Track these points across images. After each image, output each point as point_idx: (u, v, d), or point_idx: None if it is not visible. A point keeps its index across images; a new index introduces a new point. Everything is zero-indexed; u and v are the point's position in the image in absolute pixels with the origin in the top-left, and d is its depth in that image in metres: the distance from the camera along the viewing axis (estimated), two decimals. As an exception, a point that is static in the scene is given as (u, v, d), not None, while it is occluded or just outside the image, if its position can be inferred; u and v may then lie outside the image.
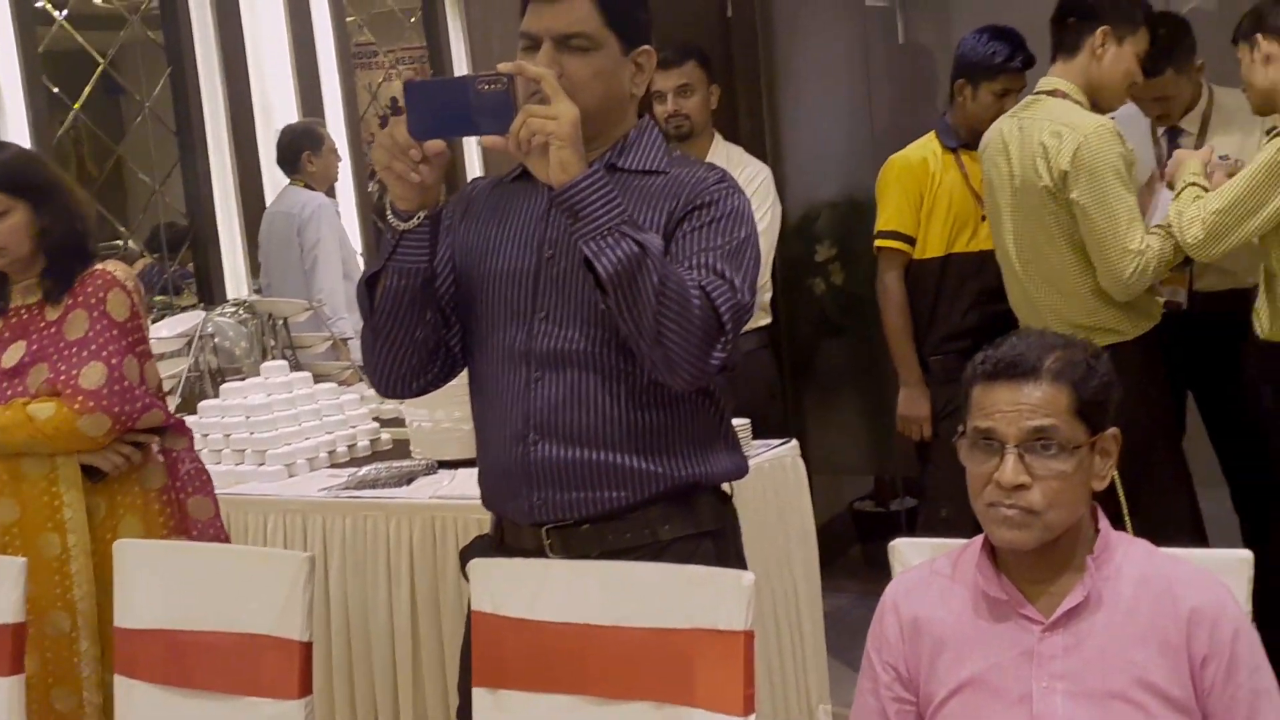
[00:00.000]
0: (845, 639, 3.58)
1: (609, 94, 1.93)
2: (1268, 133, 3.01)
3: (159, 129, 5.60)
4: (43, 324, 2.57)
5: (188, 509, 2.67)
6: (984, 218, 3.38)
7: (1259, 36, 2.88)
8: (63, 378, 2.50)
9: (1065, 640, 1.66)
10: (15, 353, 2.56)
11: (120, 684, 2.16)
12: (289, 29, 5.75)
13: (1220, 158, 3.36)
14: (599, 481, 1.93)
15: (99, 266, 2.60)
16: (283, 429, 3.33)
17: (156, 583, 2.17)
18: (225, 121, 5.63)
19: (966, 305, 3.49)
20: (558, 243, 1.92)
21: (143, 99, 5.55)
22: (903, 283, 3.53)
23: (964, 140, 3.52)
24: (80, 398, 2.47)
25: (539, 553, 1.98)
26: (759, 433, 3.10)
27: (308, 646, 2.02)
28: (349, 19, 6.13)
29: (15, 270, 2.61)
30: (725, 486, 2.09)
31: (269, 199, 5.44)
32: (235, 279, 5.62)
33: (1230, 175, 3.02)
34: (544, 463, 1.94)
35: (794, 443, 3.16)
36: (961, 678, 1.70)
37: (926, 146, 3.57)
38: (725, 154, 3.75)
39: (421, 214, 1.88)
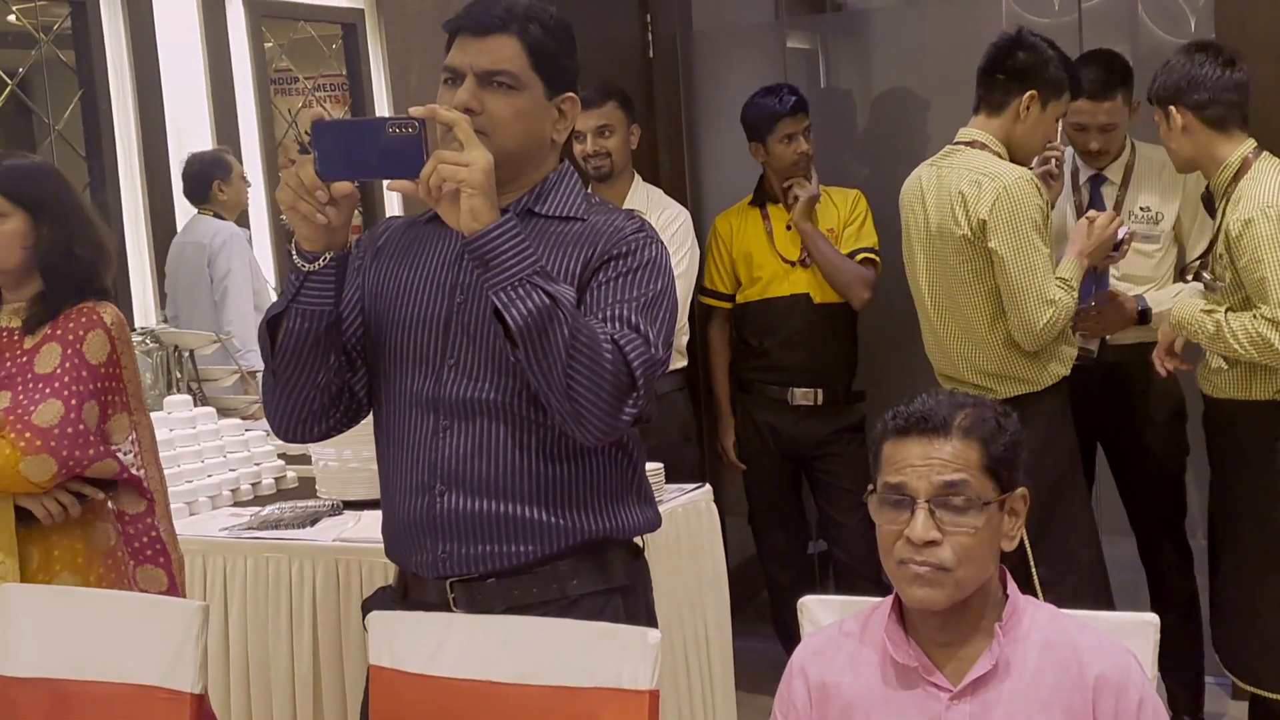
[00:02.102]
0: (756, 683, 3.56)
1: (529, 136, 1.90)
2: (1205, 197, 3.07)
3: (68, 152, 5.47)
4: (18, 351, 2.45)
5: (136, 578, 2.53)
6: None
7: (1173, 109, 2.93)
8: (19, 410, 2.37)
9: (972, 709, 1.64)
10: None
11: (0, 737, 2.08)
12: (205, 54, 5.66)
13: (1142, 209, 3.43)
14: (506, 535, 1.89)
15: (89, 304, 2.47)
16: (185, 465, 3.25)
17: (42, 629, 2.09)
18: (137, 146, 5.52)
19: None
20: (469, 289, 1.89)
21: (52, 121, 5.43)
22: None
23: (771, 194, 3.86)
24: (29, 434, 2.35)
25: (444, 607, 1.93)
26: (673, 476, 3.08)
27: (200, 699, 1.96)
28: (268, 45, 6.05)
29: (6, 285, 2.49)
30: (637, 540, 2.05)
31: (180, 227, 5.33)
32: (143, 308, 5.49)
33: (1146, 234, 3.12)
34: (450, 515, 1.89)
35: (707, 487, 3.15)
36: (868, 744, 1.68)
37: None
38: (645, 195, 3.74)
39: (328, 255, 1.83)
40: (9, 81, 5.19)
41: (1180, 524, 3.48)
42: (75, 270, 2.48)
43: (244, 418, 3.72)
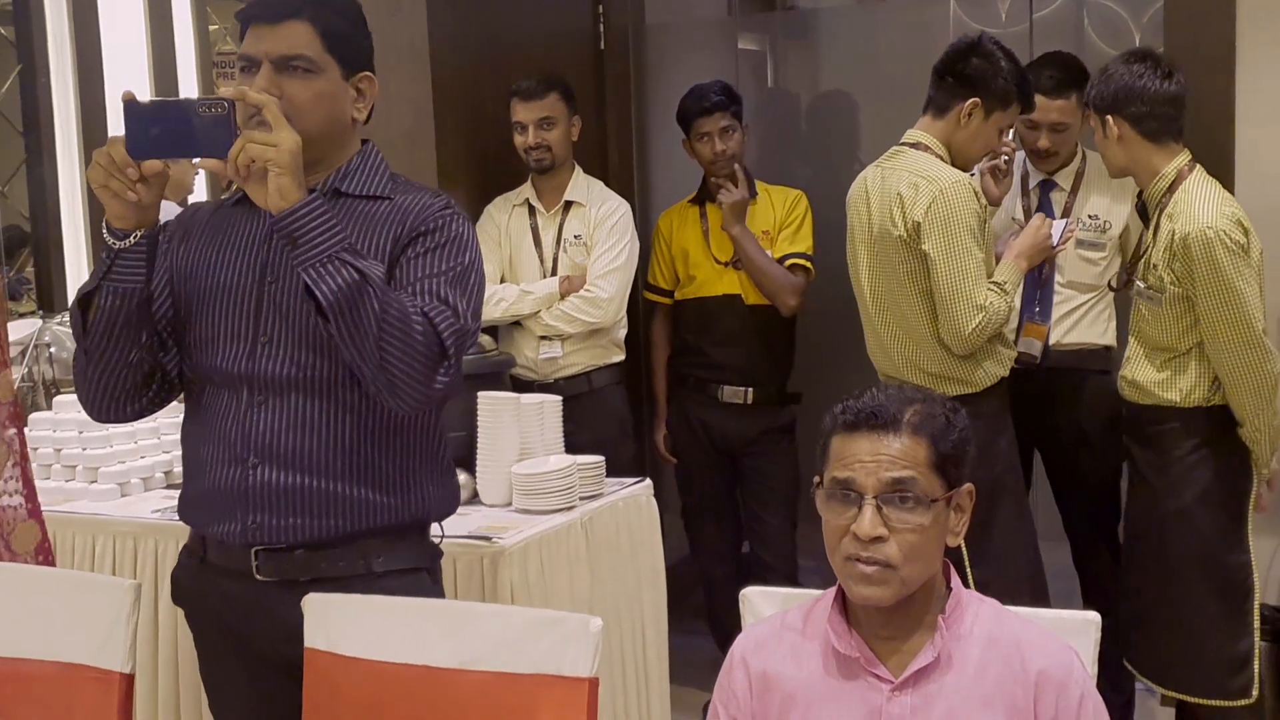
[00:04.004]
0: (690, 677, 3.57)
1: (330, 118, 1.96)
2: (1139, 205, 3.10)
3: (4, 128, 5.36)
4: None
5: (11, 544, 2.49)
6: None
7: (1110, 119, 2.96)
8: None
9: (914, 700, 1.65)
10: None
11: (-79, 716, 2.03)
12: (148, 33, 5.57)
13: (1090, 216, 3.46)
14: (316, 509, 1.94)
15: None
16: (117, 446, 3.19)
17: (-33, 607, 2.04)
18: (76, 124, 5.42)
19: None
20: (279, 267, 1.94)
21: (-11, 95, 5.32)
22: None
23: (710, 193, 3.85)
24: None
25: (247, 574, 1.97)
26: (610, 470, 3.07)
27: (130, 679, 1.94)
28: (212, 26, 5.96)
29: None
30: (434, 525, 2.12)
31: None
32: (76, 286, 5.40)
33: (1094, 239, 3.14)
34: (262, 487, 1.94)
35: (647, 482, 3.15)
36: (809, 734, 1.68)
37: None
38: (586, 187, 3.73)
39: (138, 233, 1.88)
40: (-56, 52, 5.08)
41: (1115, 529, 3.51)
42: None
43: (179, 400, 3.66)
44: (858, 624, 1.70)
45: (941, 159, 3.10)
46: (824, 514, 1.68)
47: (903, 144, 3.17)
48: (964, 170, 3.13)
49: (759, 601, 1.91)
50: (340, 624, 1.88)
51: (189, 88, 5.70)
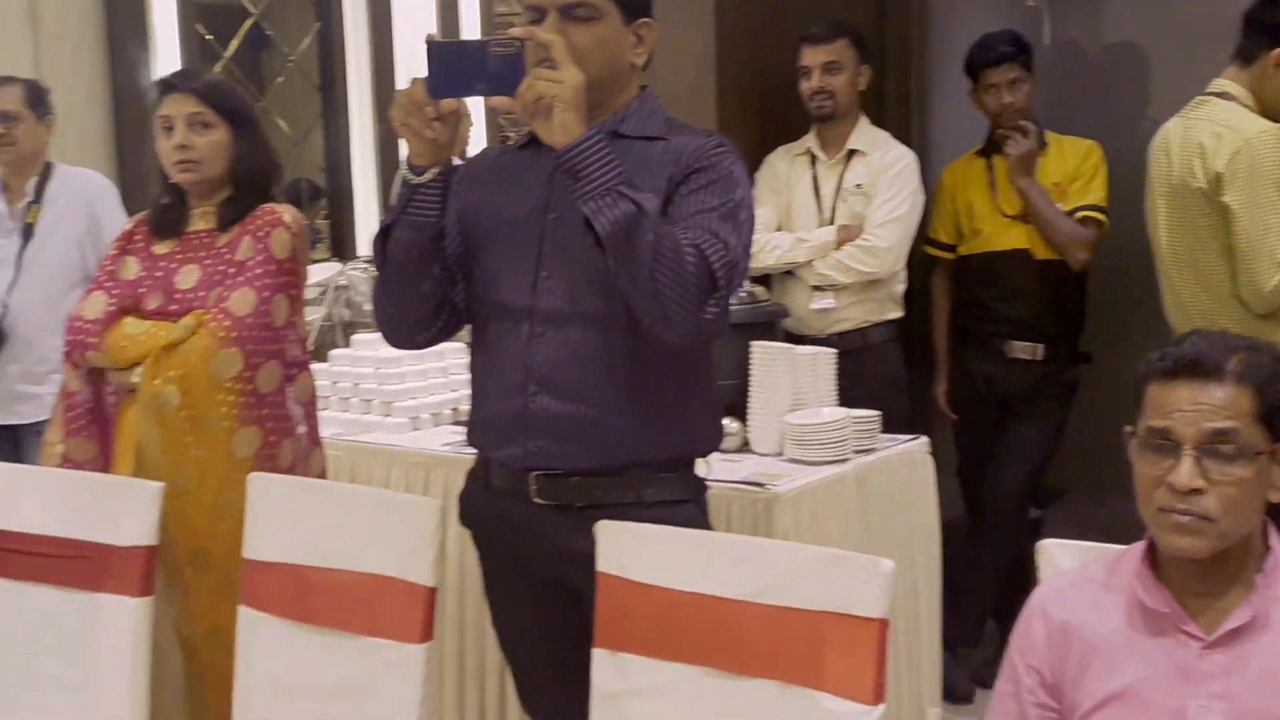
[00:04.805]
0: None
1: (611, 63, 2.02)
2: None
3: (303, 84, 5.66)
4: (214, 249, 2.59)
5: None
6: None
7: None
8: (220, 302, 2.50)
9: (1227, 660, 1.57)
10: (190, 275, 2.58)
11: (245, 614, 2.18)
12: (436, -8, 5.77)
13: None
14: (590, 439, 2.00)
15: (269, 205, 2.61)
16: (410, 383, 3.35)
17: (286, 518, 2.18)
18: (369, 80, 5.68)
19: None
20: (560, 204, 1.99)
21: (289, 52, 5.62)
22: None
23: (997, 145, 3.72)
24: (227, 323, 2.46)
25: (524, 496, 2.05)
26: (883, 430, 3.03)
27: (432, 592, 2.02)
28: (495, -14, 6.14)
29: (201, 191, 2.62)
30: (700, 460, 2.15)
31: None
32: (367, 237, 5.67)
33: None
34: (541, 414, 2.01)
35: (924, 439, 3.10)
36: (1111, 689, 1.62)
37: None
38: (871, 136, 3.67)
39: (434, 170, 1.97)
40: (253, 12, 5.39)
41: None
42: (259, 179, 2.63)
43: (466, 344, 3.81)
44: (1167, 579, 1.63)
45: (1249, 109, 2.93)
46: (1137, 463, 1.61)
47: (1208, 93, 3.02)
48: (1274, 121, 2.95)
49: (1057, 553, 1.86)
50: (631, 550, 1.92)
51: (472, 46, 5.87)
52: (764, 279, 3.60)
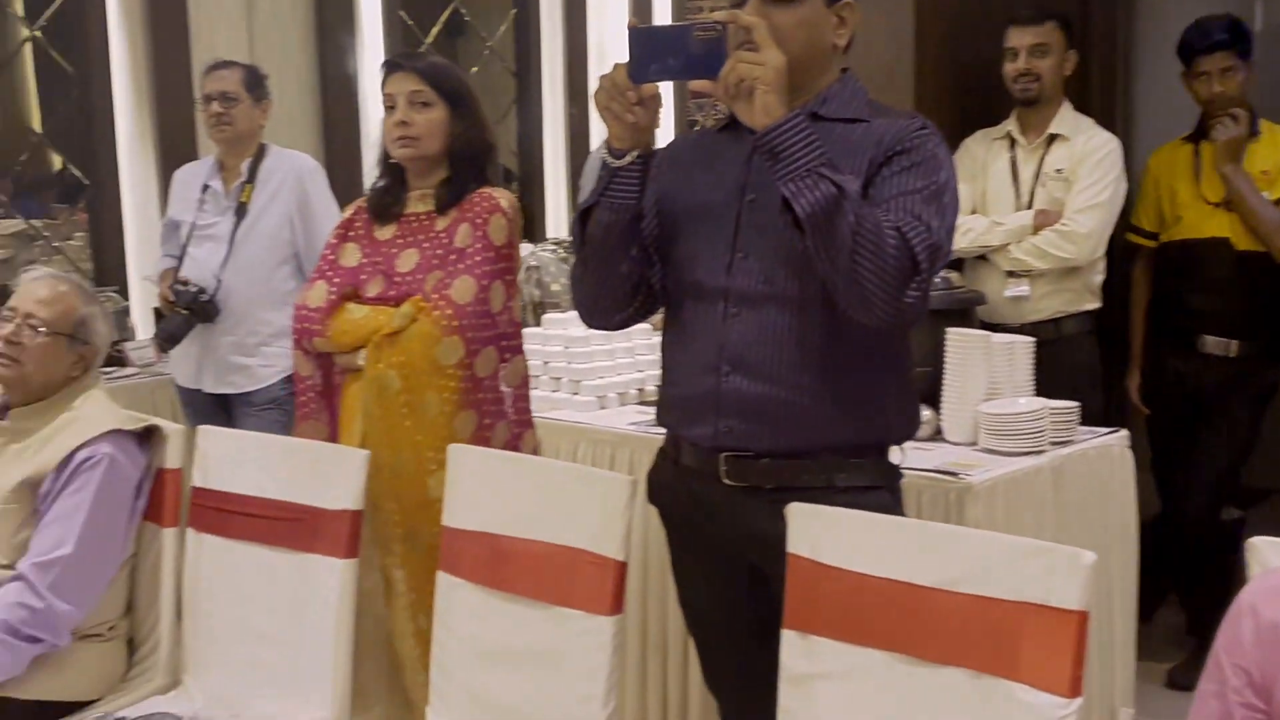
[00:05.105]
0: (1155, 650, 3.39)
1: (812, 44, 2.01)
2: None
3: (499, 68, 5.78)
4: (433, 233, 2.61)
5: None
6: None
7: None
8: (441, 288, 2.52)
9: None
10: (409, 259, 2.61)
11: (443, 579, 2.24)
12: (631, -18, 5.82)
13: None
14: (782, 421, 1.99)
15: (486, 189, 2.63)
16: (598, 362, 3.40)
17: (484, 488, 2.23)
18: (562, 65, 5.76)
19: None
20: (758, 186, 1.99)
21: (487, 38, 5.75)
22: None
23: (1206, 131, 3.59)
24: (450, 311, 2.49)
25: (714, 476, 2.05)
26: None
27: (623, 565, 2.04)
28: (688, -26, 6.16)
29: (420, 170, 2.65)
30: (897, 454, 2.11)
31: (594, 144, 5.54)
32: (556, 219, 5.77)
33: None
34: (733, 394, 2.01)
35: (1124, 433, 3.01)
36: (1327, 691, 1.56)
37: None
38: (1074, 122, 3.57)
39: (634, 154, 1.98)
40: (453, -1, 5.53)
41: None
42: (477, 160, 2.65)
43: (653, 326, 3.85)
44: (1392, 581, 1.55)
45: None
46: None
47: None
48: None
49: (1267, 551, 1.78)
50: (823, 533, 1.91)
51: (665, 31, 5.90)
52: (956, 264, 3.54)
